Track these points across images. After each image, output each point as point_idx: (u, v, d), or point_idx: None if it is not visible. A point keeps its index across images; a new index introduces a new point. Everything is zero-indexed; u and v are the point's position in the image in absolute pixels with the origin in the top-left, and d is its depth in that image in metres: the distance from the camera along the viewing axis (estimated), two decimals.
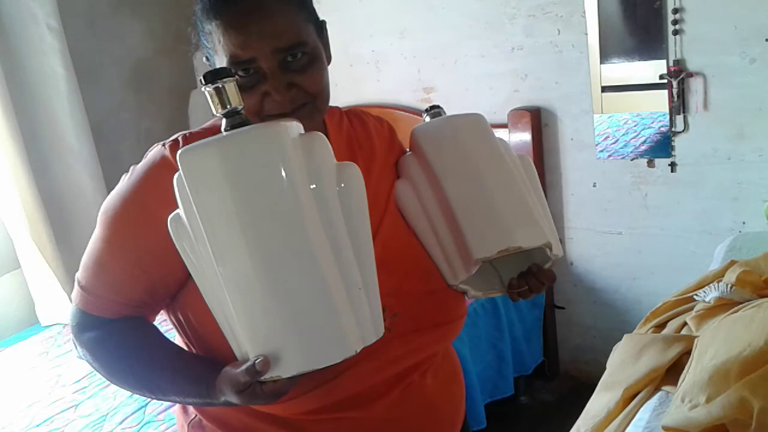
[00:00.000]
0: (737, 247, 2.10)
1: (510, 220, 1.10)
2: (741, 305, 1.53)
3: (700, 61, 2.29)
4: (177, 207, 0.89)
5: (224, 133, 0.86)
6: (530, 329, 2.73)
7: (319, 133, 0.92)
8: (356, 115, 1.25)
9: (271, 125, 0.87)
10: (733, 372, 1.23)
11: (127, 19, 3.02)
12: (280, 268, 0.83)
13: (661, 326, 1.71)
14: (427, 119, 1.24)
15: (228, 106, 0.86)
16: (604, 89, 2.50)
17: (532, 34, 2.60)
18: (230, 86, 0.86)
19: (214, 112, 0.87)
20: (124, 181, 1.05)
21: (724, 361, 1.28)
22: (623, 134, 2.50)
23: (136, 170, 1.04)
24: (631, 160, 2.52)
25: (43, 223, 2.65)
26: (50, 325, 2.69)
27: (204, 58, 1.07)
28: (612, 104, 2.50)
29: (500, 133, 2.72)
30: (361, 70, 3.08)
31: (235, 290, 0.84)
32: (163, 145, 1.04)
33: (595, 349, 2.78)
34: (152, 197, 1.00)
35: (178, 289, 1.05)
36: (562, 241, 2.78)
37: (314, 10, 1.08)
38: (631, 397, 1.47)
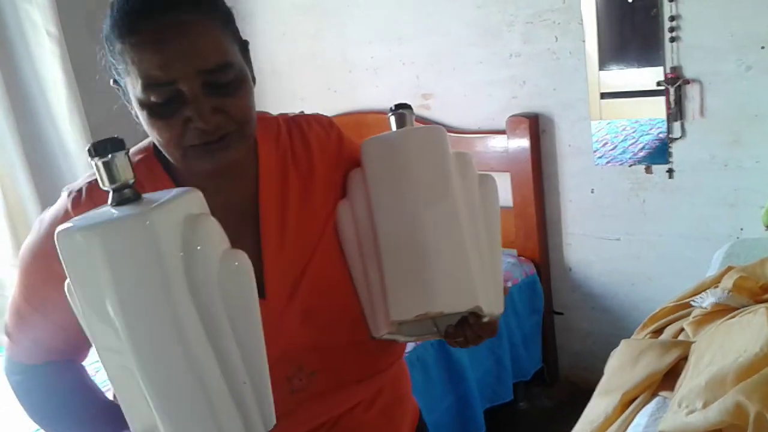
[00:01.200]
0: (735, 254, 2.11)
1: (436, 280, 0.98)
2: (738, 311, 1.54)
3: (697, 68, 2.30)
4: None
5: (101, 212, 0.78)
6: (529, 335, 2.73)
7: (209, 217, 0.82)
8: (297, 125, 1.12)
9: (152, 211, 0.76)
10: (730, 377, 1.24)
11: None
12: (150, 363, 0.77)
13: (658, 332, 1.71)
14: (392, 122, 1.11)
15: (117, 181, 0.77)
16: (602, 96, 2.51)
17: (530, 41, 2.61)
18: (120, 158, 0.77)
19: (102, 186, 0.78)
20: (34, 231, 1.01)
21: (721, 366, 1.28)
22: (621, 140, 2.51)
23: (44, 221, 1.00)
24: (629, 166, 2.53)
25: None
26: None
27: (111, 81, 0.98)
28: (610, 111, 2.51)
29: (499, 140, 2.74)
30: (360, 77, 3.09)
31: (112, 373, 0.80)
32: (69, 194, 0.99)
33: (594, 355, 2.78)
34: (53, 254, 0.90)
35: None
36: (560, 246, 2.79)
37: (237, 29, 0.99)
38: (629, 402, 1.48)
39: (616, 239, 2.66)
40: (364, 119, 3.01)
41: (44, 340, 1.03)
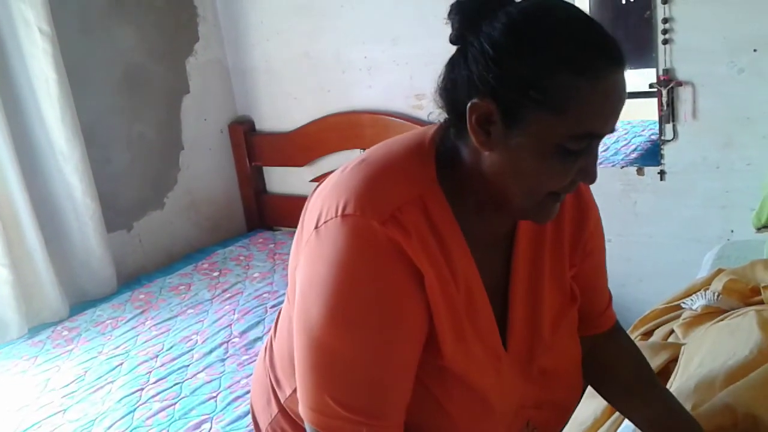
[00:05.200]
0: (725, 255, 2.11)
1: None
2: (727, 313, 1.54)
3: (690, 71, 2.31)
4: (416, 276, 0.86)
5: None
6: None
7: None
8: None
9: None
10: (719, 380, 1.24)
11: (119, 23, 3.02)
12: None
13: (648, 334, 1.72)
14: None
15: None
16: None
17: None
18: None
19: None
20: (348, 278, 0.85)
21: (710, 369, 1.29)
22: (614, 142, 2.51)
23: (358, 262, 0.85)
24: (621, 167, 2.54)
25: (34, 226, 2.65)
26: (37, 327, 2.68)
27: (476, 99, 0.85)
28: None
29: None
30: (353, 77, 3.08)
31: None
32: (382, 223, 0.84)
33: None
34: (404, 276, 0.86)
35: None
36: None
37: None
38: None
39: (607, 240, 2.61)
40: (357, 119, 3.01)
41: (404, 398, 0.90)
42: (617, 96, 0.83)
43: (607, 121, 0.83)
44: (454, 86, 0.90)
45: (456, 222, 0.91)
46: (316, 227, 0.88)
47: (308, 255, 0.89)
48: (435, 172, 0.92)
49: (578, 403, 1.16)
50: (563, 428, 1.15)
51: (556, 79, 0.80)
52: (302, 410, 0.90)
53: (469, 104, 0.85)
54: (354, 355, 0.87)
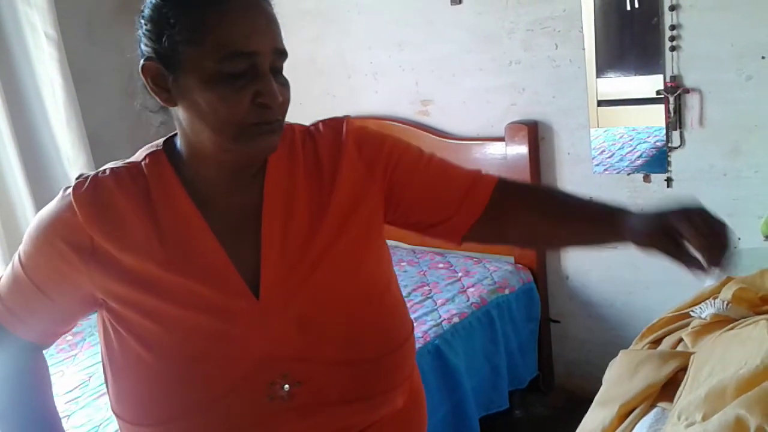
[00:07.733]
0: (732, 263, 2.10)
1: None
2: (737, 322, 1.53)
3: (697, 78, 2.30)
4: (77, 246, 0.97)
5: None
6: (525, 343, 2.72)
7: None
8: (311, 135, 1.14)
9: None
10: (730, 390, 1.23)
11: (125, 27, 3.02)
12: None
13: (657, 342, 1.70)
14: None
15: None
16: (601, 103, 2.50)
17: (530, 49, 2.61)
18: None
19: None
20: (52, 204, 1.03)
21: (721, 379, 1.27)
22: (619, 148, 2.50)
23: (59, 199, 1.02)
24: (627, 174, 2.53)
25: None
26: None
27: (142, 60, 0.98)
28: (608, 119, 2.50)
29: (497, 147, 2.73)
30: (359, 82, 3.08)
31: None
32: (78, 178, 1.02)
33: (590, 363, 2.77)
34: (58, 235, 0.99)
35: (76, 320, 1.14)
36: (557, 254, 2.78)
37: None
38: (627, 414, 1.47)
39: (613, 247, 2.64)
40: (363, 124, 2.99)
41: (31, 315, 1.07)
42: (245, 12, 0.91)
43: (249, 38, 0.90)
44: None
45: (180, 185, 1.00)
46: None
47: None
48: (163, 151, 1.04)
49: (359, 365, 1.03)
50: (344, 391, 1.03)
51: (187, 15, 0.90)
52: None
53: (139, 69, 0.97)
54: (17, 273, 1.04)
